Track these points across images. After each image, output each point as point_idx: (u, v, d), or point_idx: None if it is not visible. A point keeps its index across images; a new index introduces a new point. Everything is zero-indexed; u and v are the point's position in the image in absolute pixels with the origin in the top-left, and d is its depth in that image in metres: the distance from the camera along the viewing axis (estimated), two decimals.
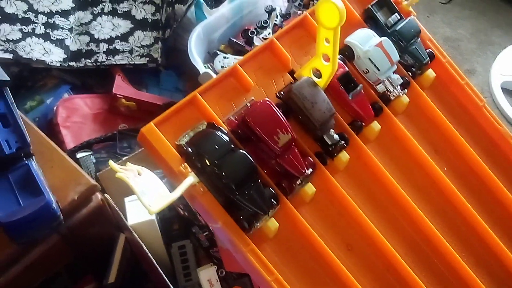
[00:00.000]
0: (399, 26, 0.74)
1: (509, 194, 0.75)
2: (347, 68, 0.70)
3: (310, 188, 0.65)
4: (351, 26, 0.73)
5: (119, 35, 1.22)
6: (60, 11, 1.21)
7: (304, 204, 0.66)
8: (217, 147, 0.60)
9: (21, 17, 1.18)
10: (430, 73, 0.75)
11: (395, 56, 0.71)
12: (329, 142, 0.66)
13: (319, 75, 0.67)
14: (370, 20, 0.75)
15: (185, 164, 0.59)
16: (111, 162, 0.54)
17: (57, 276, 1.11)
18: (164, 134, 0.61)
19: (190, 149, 0.60)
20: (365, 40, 0.71)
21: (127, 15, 1.25)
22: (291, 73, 0.69)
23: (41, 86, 1.20)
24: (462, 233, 0.73)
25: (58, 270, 1.12)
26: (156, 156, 0.61)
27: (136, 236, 0.86)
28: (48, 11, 1.20)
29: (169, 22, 1.22)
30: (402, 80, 0.72)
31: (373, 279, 0.67)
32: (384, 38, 0.71)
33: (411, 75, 0.75)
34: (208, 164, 0.59)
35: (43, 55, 1.16)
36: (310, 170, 0.64)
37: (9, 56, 1.13)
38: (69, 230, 0.92)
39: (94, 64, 1.16)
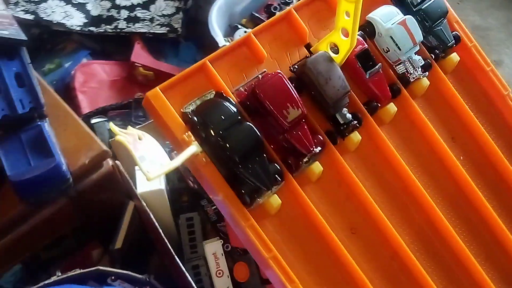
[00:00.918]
0: (425, 5, 0.70)
1: None
2: (366, 45, 0.67)
3: (317, 167, 0.63)
4: (374, 3, 0.70)
5: (141, 3, 1.21)
6: None
7: (310, 183, 0.64)
8: (223, 117, 0.58)
9: None
10: (454, 56, 0.72)
11: (419, 36, 0.68)
12: (341, 121, 0.64)
13: (336, 51, 0.64)
14: None
15: (189, 132, 0.58)
16: (111, 124, 0.53)
17: (63, 239, 1.12)
18: (170, 100, 0.59)
19: (195, 118, 0.58)
20: (388, 17, 0.68)
21: None
22: (308, 46, 0.67)
23: (60, 50, 1.20)
24: (474, 226, 0.70)
25: (65, 233, 1.13)
26: (160, 123, 0.59)
27: (145, 204, 0.85)
28: None
29: None
30: (423, 62, 0.69)
31: (376, 266, 0.64)
32: (408, 16, 0.68)
33: (433, 57, 0.71)
34: (213, 134, 0.57)
35: (63, 18, 1.16)
36: (319, 148, 0.62)
37: (29, 17, 1.13)
38: (79, 194, 0.92)
39: (114, 30, 1.15)
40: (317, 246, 0.63)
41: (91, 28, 1.16)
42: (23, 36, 0.89)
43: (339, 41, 0.63)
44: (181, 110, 0.59)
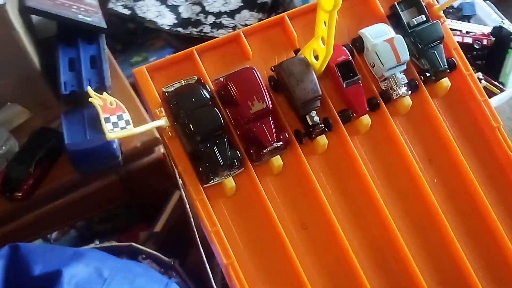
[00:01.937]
0: (420, 28, 0.72)
1: (499, 225, 0.70)
2: (350, 57, 0.70)
3: (276, 161, 0.67)
4: (373, 20, 0.74)
5: (228, 11, 1.31)
6: None
7: (271, 174, 0.68)
8: (194, 100, 0.65)
9: None
10: (445, 81, 0.73)
11: (405, 56, 0.70)
12: (310, 123, 0.68)
13: (317, 57, 0.69)
14: (393, 17, 0.74)
15: (161, 108, 0.66)
16: (89, 88, 0.62)
17: (117, 216, 1.24)
18: (154, 79, 0.68)
19: (170, 97, 0.66)
20: (378, 34, 0.71)
21: None
22: (296, 51, 0.72)
23: (149, 45, 1.34)
24: (434, 251, 0.70)
25: (119, 211, 1.24)
26: (142, 96, 0.68)
27: (185, 198, 0.91)
28: None
29: (276, 6, 1.28)
30: (406, 81, 0.71)
31: (319, 264, 0.67)
32: (397, 35, 0.71)
33: (423, 79, 0.73)
34: (181, 112, 0.65)
35: (156, 17, 1.29)
36: (280, 143, 0.67)
37: (127, 12, 1.28)
38: (128, 174, 1.04)
39: (199, 33, 1.27)
40: (264, 233, 0.67)
41: (179, 29, 1.28)
42: (103, 25, 1.03)
43: (318, 48, 0.67)
44: (162, 89, 0.67)
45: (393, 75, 0.71)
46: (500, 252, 0.70)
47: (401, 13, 0.73)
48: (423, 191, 0.70)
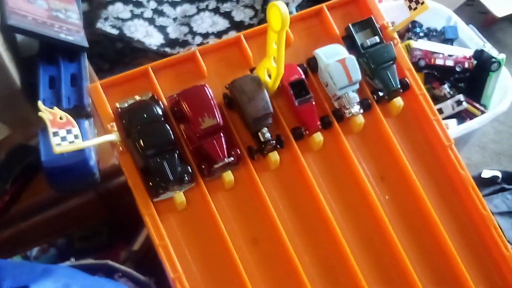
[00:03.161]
0: (373, 49, 0.74)
1: (449, 243, 0.70)
2: (303, 76, 0.72)
3: (228, 176, 0.68)
4: (329, 41, 0.75)
5: (215, 32, 1.33)
6: (170, 1, 1.34)
7: (222, 190, 0.70)
8: (145, 116, 0.67)
9: (135, 0, 1.34)
10: (398, 101, 0.74)
11: (356, 75, 0.71)
12: (261, 139, 0.69)
13: (271, 76, 0.70)
14: (347, 38, 0.76)
15: (113, 123, 0.67)
16: (39, 102, 0.64)
17: (98, 234, 1.25)
18: (108, 95, 0.69)
19: (123, 112, 0.68)
20: (331, 54, 0.73)
21: (227, 15, 1.36)
22: (252, 70, 0.73)
23: (136, 64, 1.30)
24: (384, 266, 0.70)
25: (100, 230, 1.25)
26: (96, 111, 0.69)
27: None
28: None
29: None
30: (358, 99, 0.72)
31: (269, 279, 0.68)
32: (349, 56, 0.72)
33: (376, 98, 0.74)
34: (133, 128, 0.66)
35: (144, 37, 1.31)
36: (231, 159, 0.68)
37: (115, 32, 1.30)
38: (107, 191, 1.04)
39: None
40: (214, 248, 0.68)
41: (166, 49, 1.30)
42: (85, 44, 1.05)
43: (270, 67, 0.69)
44: (116, 104, 0.69)
45: (346, 94, 0.72)
46: (450, 269, 0.71)
47: (355, 34, 0.75)
48: (374, 208, 0.71)
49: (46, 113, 0.62)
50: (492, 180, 1.26)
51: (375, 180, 0.72)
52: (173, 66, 0.73)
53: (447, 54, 1.30)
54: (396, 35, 0.76)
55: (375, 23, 0.75)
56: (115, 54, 1.34)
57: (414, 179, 0.72)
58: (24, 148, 1.00)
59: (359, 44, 0.74)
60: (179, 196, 0.67)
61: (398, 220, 0.72)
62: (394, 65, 0.74)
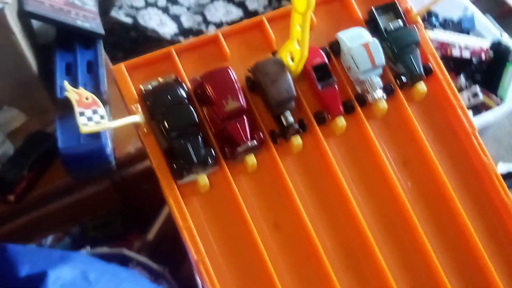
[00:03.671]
0: (396, 33, 0.73)
1: (472, 230, 0.70)
2: (326, 60, 0.71)
3: (250, 159, 0.68)
4: (351, 24, 0.75)
5: (228, 22, 1.33)
6: None
7: (244, 173, 0.69)
8: (169, 97, 0.67)
9: None
10: (421, 86, 0.73)
11: (380, 60, 0.71)
12: (284, 123, 0.69)
13: (294, 59, 0.70)
14: (370, 22, 0.75)
15: (137, 104, 0.67)
16: (66, 82, 0.64)
17: (112, 223, 1.25)
18: (133, 76, 0.69)
19: (146, 94, 0.68)
20: (354, 38, 0.72)
21: (241, 4, 1.36)
22: (274, 54, 0.73)
23: None
24: (405, 251, 0.70)
25: (114, 219, 1.26)
26: (120, 92, 0.69)
27: None
28: None
29: None
30: (382, 84, 0.72)
31: (290, 261, 0.67)
32: (373, 39, 0.72)
33: (399, 83, 0.74)
34: (157, 109, 0.66)
35: (158, 25, 1.31)
36: (254, 142, 0.68)
37: (129, 20, 1.30)
38: (122, 179, 1.05)
39: None
40: (236, 231, 0.67)
41: (180, 38, 1.30)
42: (101, 31, 1.05)
43: (294, 50, 0.68)
44: (140, 86, 0.69)
45: (369, 79, 0.71)
46: (473, 257, 0.70)
47: (378, 18, 0.74)
48: (396, 194, 0.71)
49: (73, 93, 0.62)
50: (508, 174, 1.26)
51: (398, 166, 0.72)
52: (196, 49, 0.72)
53: (463, 45, 1.29)
54: (419, 19, 0.75)
55: (399, 6, 0.75)
56: (129, 43, 1.35)
57: (436, 166, 0.72)
58: (41, 135, 1.01)
59: (382, 28, 0.74)
60: (203, 179, 0.67)
61: (420, 206, 0.71)
62: (418, 50, 0.74)
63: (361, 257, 0.69)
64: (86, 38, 1.03)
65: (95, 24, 1.06)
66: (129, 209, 1.20)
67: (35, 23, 1.07)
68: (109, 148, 0.90)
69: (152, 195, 1.10)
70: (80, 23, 1.03)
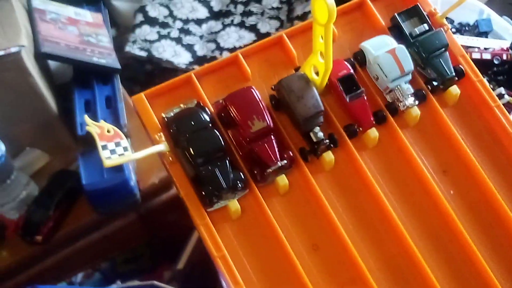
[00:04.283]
0: (423, 37, 0.70)
1: None
2: (351, 71, 0.69)
3: (282, 180, 0.65)
4: (374, 33, 0.72)
5: (242, 46, 1.32)
6: (195, 19, 1.34)
7: (277, 195, 0.67)
8: (193, 123, 0.65)
9: (161, 21, 1.34)
10: (454, 90, 0.70)
11: (408, 65, 0.68)
12: (314, 139, 0.66)
13: (318, 74, 0.67)
14: (394, 28, 0.73)
15: (161, 133, 0.65)
16: (86, 116, 0.62)
17: (140, 257, 1.24)
18: (154, 105, 0.68)
19: (169, 121, 0.66)
20: (379, 46, 0.69)
21: (253, 28, 1.35)
22: (296, 70, 0.71)
23: None
24: (455, 264, 0.65)
25: (143, 252, 1.24)
26: (142, 122, 0.67)
27: None
28: (185, 18, 1.34)
29: None
30: (412, 91, 0.69)
31: (333, 285, 0.64)
32: (399, 45, 0.69)
33: (430, 89, 0.70)
34: (181, 136, 0.64)
35: (172, 56, 1.31)
36: (285, 162, 0.65)
37: (144, 54, 1.30)
38: (148, 211, 1.04)
39: None
40: (273, 256, 0.64)
41: (195, 66, 1.29)
42: (118, 65, 1.05)
43: (317, 63, 0.66)
44: (162, 114, 0.67)
45: (398, 86, 0.68)
46: None
47: (402, 23, 0.72)
48: (440, 204, 0.67)
49: (94, 126, 0.60)
50: None
51: (437, 174, 0.68)
52: (216, 71, 0.71)
53: (483, 48, 1.25)
54: (445, 21, 0.72)
55: (423, 10, 0.72)
56: (145, 76, 1.34)
57: (479, 171, 0.68)
58: (64, 173, 1.00)
59: (407, 34, 0.71)
60: (233, 204, 0.64)
61: (466, 215, 0.67)
62: (447, 52, 0.71)
63: (409, 274, 0.65)
64: (103, 74, 1.03)
65: (111, 60, 1.05)
66: (157, 240, 1.19)
67: (51, 63, 1.07)
68: (133, 181, 0.89)
69: (178, 224, 1.09)
70: (96, 60, 1.02)
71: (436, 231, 0.67)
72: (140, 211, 1.04)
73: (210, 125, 0.65)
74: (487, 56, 1.22)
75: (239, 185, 0.64)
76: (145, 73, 1.34)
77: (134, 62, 1.30)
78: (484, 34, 1.32)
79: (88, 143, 0.93)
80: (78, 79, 1.02)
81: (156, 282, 1.01)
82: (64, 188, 0.97)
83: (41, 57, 0.98)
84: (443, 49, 0.70)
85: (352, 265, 0.64)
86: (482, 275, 0.65)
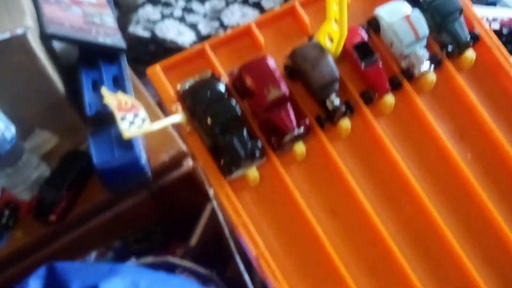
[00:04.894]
0: (437, 2, 0.70)
1: None
2: (365, 38, 0.68)
3: (299, 147, 0.65)
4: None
5: (246, 23, 1.31)
6: None
7: (294, 162, 0.67)
8: (209, 93, 0.65)
9: (163, 1, 1.33)
10: (470, 54, 0.70)
11: (423, 31, 0.68)
12: (330, 107, 0.66)
13: (332, 41, 0.67)
14: None
15: (177, 104, 0.65)
16: (103, 88, 0.62)
17: (152, 234, 1.24)
18: (169, 77, 0.67)
19: (185, 93, 0.66)
20: (393, 12, 0.69)
21: (256, 5, 1.34)
22: (310, 38, 0.70)
23: None
24: (474, 227, 0.66)
25: (154, 230, 1.24)
26: (157, 94, 0.67)
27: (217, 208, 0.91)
28: None
29: None
30: (428, 56, 0.68)
31: (353, 249, 0.64)
32: (413, 10, 0.68)
33: (446, 53, 0.70)
34: (197, 107, 0.64)
35: (176, 36, 1.30)
36: (301, 129, 0.65)
37: (147, 34, 1.29)
38: (159, 189, 1.03)
39: None
40: (293, 222, 0.65)
41: None
42: (123, 45, 1.04)
43: (332, 31, 0.66)
44: (177, 86, 0.67)
45: (414, 52, 0.68)
46: None
47: None
48: (457, 168, 0.67)
49: (111, 98, 0.60)
50: None
51: (454, 138, 0.68)
52: (229, 42, 0.70)
53: (491, 18, 1.24)
54: None
55: None
56: (149, 56, 1.33)
57: (495, 134, 0.68)
58: (75, 154, 0.99)
59: None
60: (252, 172, 0.64)
61: (483, 178, 0.67)
62: (462, 17, 0.70)
63: (427, 236, 0.66)
64: (109, 54, 1.02)
65: (116, 39, 1.04)
66: (169, 218, 1.18)
67: (57, 45, 1.07)
68: (143, 159, 0.89)
69: (190, 201, 1.09)
70: (101, 39, 1.01)
71: (453, 194, 0.67)
72: (151, 189, 1.03)
73: (226, 95, 0.65)
74: (495, 25, 1.21)
75: (257, 153, 0.64)
76: (149, 53, 1.33)
77: (137, 43, 1.29)
78: (493, 4, 1.31)
79: (97, 123, 0.94)
80: (84, 60, 1.01)
81: (170, 258, 1.01)
82: (75, 168, 0.96)
83: (46, 38, 0.97)
84: (458, 13, 0.70)
85: (371, 229, 0.65)
86: (500, 236, 0.65)
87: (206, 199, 1.06)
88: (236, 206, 0.63)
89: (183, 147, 0.93)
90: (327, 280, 0.63)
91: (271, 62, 0.65)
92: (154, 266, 0.92)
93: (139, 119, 0.61)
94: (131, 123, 0.60)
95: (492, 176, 0.68)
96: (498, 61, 0.71)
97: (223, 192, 0.63)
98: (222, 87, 0.65)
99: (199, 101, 0.64)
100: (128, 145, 0.87)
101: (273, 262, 0.62)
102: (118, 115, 0.59)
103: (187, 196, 1.07)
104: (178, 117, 0.64)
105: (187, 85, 0.67)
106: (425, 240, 0.65)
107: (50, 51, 1.00)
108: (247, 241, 0.62)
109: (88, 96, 0.94)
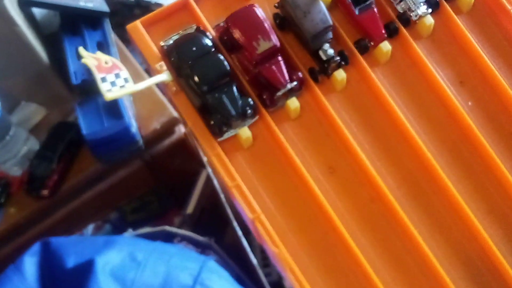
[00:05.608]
0: None
1: None
2: None
3: (292, 103, 0.62)
4: None
5: None
6: None
7: (288, 119, 0.63)
8: (195, 49, 0.61)
9: None
10: None
11: None
12: (323, 58, 0.63)
13: None
14: None
15: (162, 62, 0.61)
16: (81, 48, 0.58)
17: (149, 204, 1.22)
18: (151, 33, 0.63)
19: (169, 50, 0.62)
20: None
21: None
22: None
23: None
24: (477, 178, 0.63)
25: (150, 199, 1.23)
26: (140, 52, 0.63)
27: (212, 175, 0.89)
28: None
29: None
30: None
31: (353, 207, 0.62)
32: None
33: None
34: (183, 64, 0.60)
35: None
36: (294, 83, 0.61)
37: None
38: (152, 158, 1.01)
39: None
40: (289, 182, 0.62)
41: None
42: (106, 9, 1.00)
43: None
44: (160, 43, 0.63)
45: None
46: None
47: None
48: (458, 116, 0.64)
49: (90, 58, 0.56)
50: None
51: (454, 85, 0.65)
52: None
53: None
54: None
55: None
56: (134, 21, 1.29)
57: (497, 80, 0.65)
58: (63, 125, 0.97)
59: None
60: (244, 132, 0.61)
61: (485, 125, 0.64)
62: None
63: (429, 189, 0.63)
64: (92, 19, 0.98)
65: (98, 3, 1.01)
66: (164, 187, 1.17)
67: (37, 13, 1.03)
68: (134, 127, 0.87)
69: (184, 169, 1.08)
70: (83, 4, 0.98)
71: (455, 144, 0.64)
72: (144, 158, 1.02)
73: (213, 50, 0.61)
74: None
75: (249, 111, 0.61)
76: (133, 18, 1.29)
77: (122, 7, 1.24)
78: None
79: (84, 92, 0.91)
80: (67, 27, 0.97)
81: (167, 227, 1.00)
82: (65, 140, 0.94)
83: (25, 5, 0.93)
84: None
85: (371, 185, 0.62)
86: (504, 185, 0.62)
87: (201, 166, 1.05)
88: (229, 168, 0.60)
89: (175, 114, 0.90)
90: (326, 239, 0.60)
91: (260, 11, 0.62)
92: (152, 236, 0.91)
93: (121, 79, 0.58)
94: (113, 83, 0.57)
95: (493, 124, 0.65)
96: (499, 1, 0.67)
97: (215, 154, 0.60)
98: (208, 41, 0.62)
99: (184, 58, 0.60)
100: (117, 113, 0.85)
101: (270, 224, 0.59)
102: (98, 76, 0.56)
103: (181, 164, 1.06)
104: (163, 76, 0.60)
105: (171, 41, 0.63)
106: (426, 193, 0.63)
107: (30, 18, 0.96)
108: (242, 205, 0.59)
109: (72, 65, 0.91)
